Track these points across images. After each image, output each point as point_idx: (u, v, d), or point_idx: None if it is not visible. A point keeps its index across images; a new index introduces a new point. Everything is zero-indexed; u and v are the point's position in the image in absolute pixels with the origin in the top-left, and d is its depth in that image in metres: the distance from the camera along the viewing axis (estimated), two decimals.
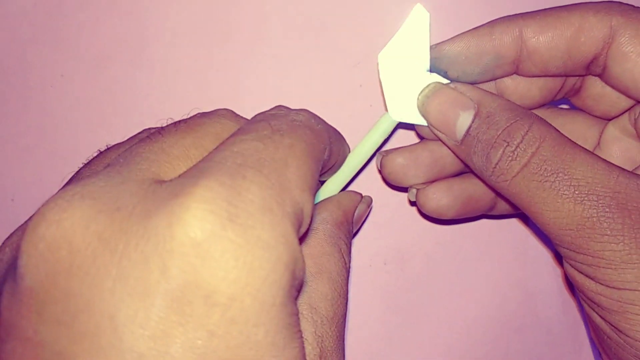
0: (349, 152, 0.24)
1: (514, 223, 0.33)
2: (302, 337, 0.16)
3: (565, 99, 0.22)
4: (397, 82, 0.21)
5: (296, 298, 0.16)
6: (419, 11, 0.21)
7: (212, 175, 0.14)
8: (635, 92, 0.18)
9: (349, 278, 0.21)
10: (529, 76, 0.20)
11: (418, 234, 0.33)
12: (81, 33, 0.33)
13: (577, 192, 0.17)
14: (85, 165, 0.20)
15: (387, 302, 0.32)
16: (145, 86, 0.33)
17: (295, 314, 0.15)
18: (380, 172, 0.24)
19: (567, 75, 0.20)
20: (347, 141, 0.33)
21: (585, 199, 0.17)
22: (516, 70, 0.20)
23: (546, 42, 0.18)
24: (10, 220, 0.33)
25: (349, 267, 0.21)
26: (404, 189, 0.33)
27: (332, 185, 0.23)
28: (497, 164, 0.18)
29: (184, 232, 0.14)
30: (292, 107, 0.33)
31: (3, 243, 0.18)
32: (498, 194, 0.22)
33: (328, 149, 0.19)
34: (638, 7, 0.18)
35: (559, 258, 0.26)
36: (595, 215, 0.17)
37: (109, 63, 0.33)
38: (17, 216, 0.33)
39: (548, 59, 0.19)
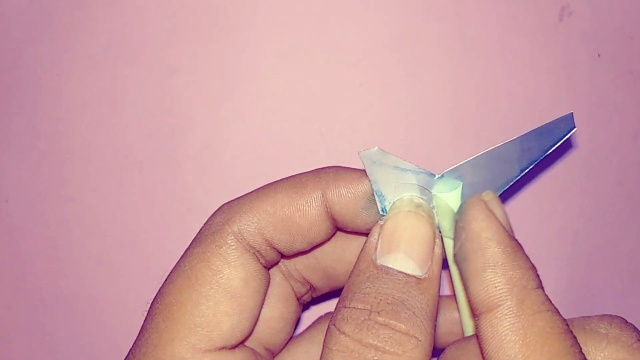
0: None
1: (515, 221, 0.33)
2: None
3: None
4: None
5: None
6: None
7: None
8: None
9: None
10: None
11: None
12: (77, 32, 0.33)
13: None
14: None
15: None
16: (142, 86, 0.33)
17: None
18: None
19: None
20: (347, 140, 0.33)
21: None
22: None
23: None
24: (4, 221, 0.32)
25: None
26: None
27: None
28: None
29: None
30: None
31: None
32: None
33: None
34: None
35: None
36: None
37: (105, 62, 0.33)
38: (11, 218, 0.32)
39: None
